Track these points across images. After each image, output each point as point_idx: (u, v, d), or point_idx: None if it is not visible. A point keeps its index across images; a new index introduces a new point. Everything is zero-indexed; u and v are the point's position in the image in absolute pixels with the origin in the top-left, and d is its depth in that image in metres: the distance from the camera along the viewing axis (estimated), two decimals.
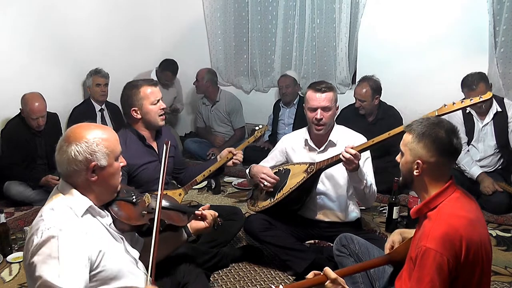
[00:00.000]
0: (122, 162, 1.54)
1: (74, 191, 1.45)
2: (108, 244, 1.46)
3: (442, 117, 1.65)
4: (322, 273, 1.56)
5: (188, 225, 1.88)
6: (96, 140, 1.44)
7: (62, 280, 1.28)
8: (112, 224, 1.55)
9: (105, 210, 1.54)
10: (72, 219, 1.39)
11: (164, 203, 1.76)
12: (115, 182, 1.53)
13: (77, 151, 1.41)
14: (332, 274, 1.53)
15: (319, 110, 2.41)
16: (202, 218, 1.89)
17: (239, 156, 2.60)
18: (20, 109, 3.36)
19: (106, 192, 1.52)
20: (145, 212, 1.67)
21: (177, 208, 1.89)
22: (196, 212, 1.90)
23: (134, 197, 1.67)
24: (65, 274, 1.29)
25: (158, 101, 2.40)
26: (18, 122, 3.40)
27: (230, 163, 2.59)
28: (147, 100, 2.37)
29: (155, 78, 4.55)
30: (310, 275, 1.60)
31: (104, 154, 1.44)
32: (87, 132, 1.45)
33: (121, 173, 1.55)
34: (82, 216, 1.42)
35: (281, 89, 4.35)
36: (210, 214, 1.89)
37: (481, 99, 1.90)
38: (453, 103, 1.94)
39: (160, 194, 1.69)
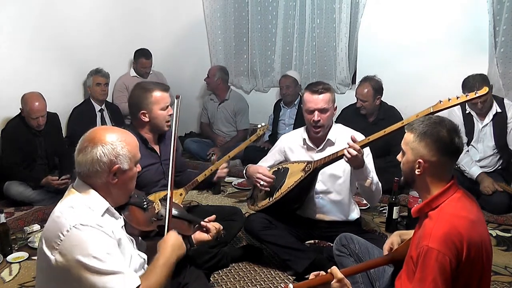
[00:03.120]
0: (137, 167, 1.57)
1: (92, 191, 1.46)
2: (123, 242, 1.49)
3: (444, 116, 1.65)
4: (329, 272, 1.55)
5: (192, 235, 1.88)
6: (121, 143, 1.46)
7: (111, 266, 1.32)
8: (124, 227, 1.57)
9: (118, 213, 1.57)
10: (93, 215, 1.41)
11: (173, 211, 1.79)
12: (132, 186, 1.56)
13: (102, 152, 1.42)
14: (339, 273, 1.52)
15: (316, 112, 2.40)
16: (206, 230, 1.89)
17: (224, 171, 2.62)
18: (20, 108, 3.36)
19: (122, 195, 1.55)
20: (155, 219, 1.72)
21: (184, 218, 1.93)
22: (202, 223, 1.90)
23: (145, 202, 1.71)
24: (111, 260, 1.33)
25: (167, 106, 2.39)
26: (19, 122, 3.40)
27: (216, 177, 2.60)
28: (157, 105, 2.36)
29: (133, 73, 4.57)
30: (311, 276, 1.60)
31: (127, 158, 1.47)
32: (111, 135, 1.47)
33: (136, 177, 1.58)
34: (102, 216, 1.44)
35: (282, 90, 4.35)
36: (214, 227, 1.89)
37: (477, 95, 1.89)
38: (449, 99, 1.94)
39: (170, 199, 1.71)
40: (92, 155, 1.43)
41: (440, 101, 1.96)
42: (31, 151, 3.42)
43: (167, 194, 1.75)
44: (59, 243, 1.33)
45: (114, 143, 1.45)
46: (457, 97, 1.93)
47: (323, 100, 2.39)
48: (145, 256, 1.62)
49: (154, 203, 1.77)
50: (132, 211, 1.63)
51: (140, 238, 1.75)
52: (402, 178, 1.66)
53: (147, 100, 2.36)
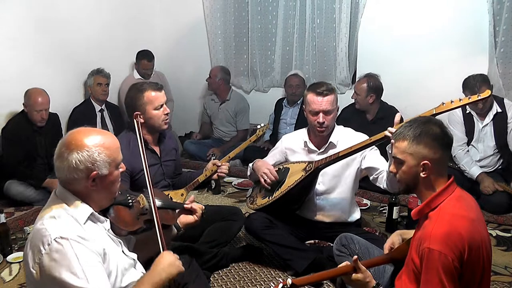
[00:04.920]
0: (121, 168, 1.52)
1: (74, 198, 1.43)
2: (109, 247, 1.47)
3: (444, 116, 1.66)
4: (351, 263, 1.56)
5: (177, 220, 1.91)
6: (98, 149, 1.40)
7: (92, 284, 1.30)
8: (110, 229, 1.55)
9: (103, 215, 1.54)
10: (74, 226, 1.38)
11: (158, 202, 1.77)
12: (114, 189, 1.52)
13: (78, 160, 1.37)
14: (362, 266, 1.53)
15: (321, 114, 2.39)
16: (191, 212, 1.93)
17: (224, 168, 2.54)
18: (23, 104, 3.37)
19: (104, 199, 1.51)
20: (140, 214, 1.70)
21: (167, 206, 1.92)
22: (186, 206, 1.94)
23: (129, 199, 1.68)
24: (92, 277, 1.30)
25: (161, 106, 2.37)
26: (20, 118, 3.41)
27: (215, 176, 2.55)
28: (151, 105, 2.34)
29: (137, 75, 4.57)
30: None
31: (105, 163, 1.42)
32: (88, 140, 1.40)
33: (120, 179, 1.54)
34: (84, 224, 1.41)
35: (291, 88, 4.30)
36: (198, 207, 1.94)
37: (479, 97, 1.90)
38: (451, 101, 1.95)
39: (152, 194, 1.70)
40: (68, 162, 1.38)
41: (443, 103, 1.96)
42: (32, 149, 3.41)
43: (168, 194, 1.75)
44: (40, 257, 1.31)
45: (90, 149, 1.39)
46: (460, 99, 1.94)
47: (327, 102, 2.38)
48: (134, 256, 1.61)
49: (139, 197, 1.75)
50: (117, 211, 1.60)
51: (130, 236, 1.74)
52: (401, 188, 1.64)
53: (140, 101, 2.34)
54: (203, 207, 1.97)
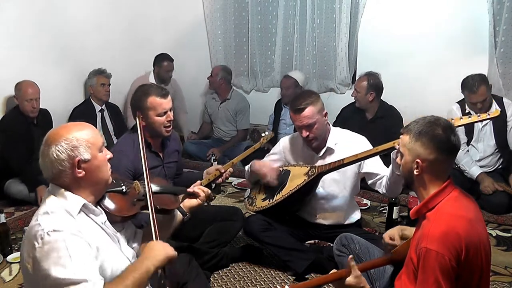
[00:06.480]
0: (108, 154, 1.53)
1: (65, 192, 1.44)
2: (104, 243, 1.46)
3: (443, 116, 1.65)
4: (347, 267, 1.55)
5: (181, 204, 1.89)
6: (75, 135, 1.43)
7: (79, 275, 1.30)
8: (107, 222, 1.54)
9: (98, 208, 1.52)
10: (67, 219, 1.39)
11: (154, 187, 1.74)
12: (104, 175, 1.51)
13: (58, 150, 1.40)
14: (358, 270, 1.52)
15: (303, 130, 2.38)
16: (195, 195, 1.91)
17: (228, 173, 2.56)
18: (14, 96, 3.38)
19: (96, 185, 1.50)
20: (136, 200, 1.67)
21: (167, 191, 1.89)
22: (188, 190, 1.92)
23: (123, 186, 1.66)
24: (80, 268, 1.31)
25: (165, 112, 2.33)
26: (14, 112, 3.43)
27: (219, 180, 2.56)
28: (153, 111, 2.31)
29: (152, 80, 4.51)
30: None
31: (85, 148, 1.43)
32: (64, 131, 1.44)
33: (109, 165, 1.53)
34: (76, 215, 1.42)
35: (281, 90, 4.35)
36: (202, 190, 1.92)
37: (488, 116, 1.95)
38: (460, 118, 1.99)
39: (147, 181, 1.68)
40: (49, 158, 1.41)
41: (452, 119, 1.96)
42: (28, 143, 3.38)
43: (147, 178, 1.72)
44: (33, 251, 1.32)
45: (67, 138, 1.41)
46: (469, 117, 1.99)
47: (305, 117, 2.33)
48: (131, 255, 1.60)
49: (134, 184, 1.72)
50: (110, 198, 1.58)
51: (136, 229, 1.75)
52: (403, 182, 1.66)
53: (144, 104, 2.31)
54: (209, 190, 1.94)
